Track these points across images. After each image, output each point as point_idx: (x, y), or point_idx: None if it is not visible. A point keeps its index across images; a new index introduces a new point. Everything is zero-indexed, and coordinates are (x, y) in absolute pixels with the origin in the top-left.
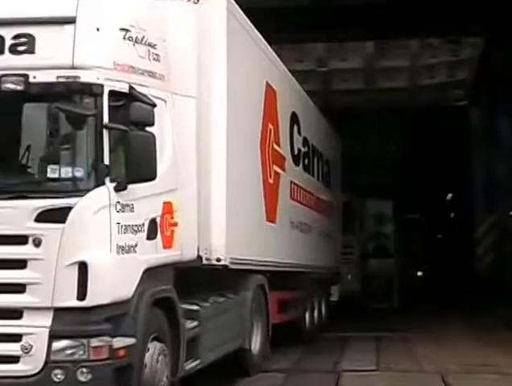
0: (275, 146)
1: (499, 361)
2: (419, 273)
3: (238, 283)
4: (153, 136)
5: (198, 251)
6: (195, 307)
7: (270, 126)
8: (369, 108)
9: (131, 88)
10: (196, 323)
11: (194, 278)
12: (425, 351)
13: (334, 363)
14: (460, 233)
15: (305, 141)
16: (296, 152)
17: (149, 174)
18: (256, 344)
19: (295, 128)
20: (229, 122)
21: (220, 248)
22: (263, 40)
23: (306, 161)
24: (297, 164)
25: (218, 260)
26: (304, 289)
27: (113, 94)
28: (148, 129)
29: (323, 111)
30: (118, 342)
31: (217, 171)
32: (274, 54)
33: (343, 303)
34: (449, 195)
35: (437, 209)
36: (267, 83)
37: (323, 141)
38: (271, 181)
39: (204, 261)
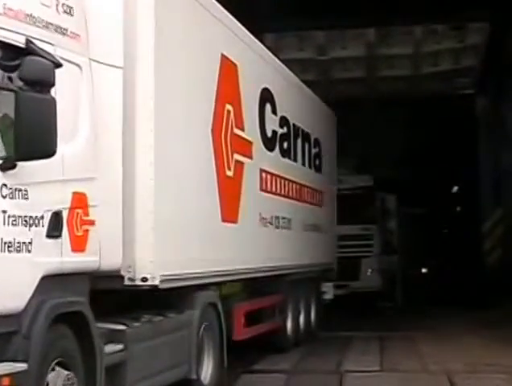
0: (237, 131)
1: (507, 360)
2: (424, 270)
3: (183, 300)
4: (53, 100)
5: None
6: (120, 327)
7: (229, 107)
8: (371, 97)
9: (29, 41)
10: (120, 347)
11: (125, 293)
12: (430, 351)
13: (337, 363)
14: (466, 227)
15: (283, 122)
16: (270, 135)
17: (45, 149)
18: (207, 373)
19: (268, 107)
20: (160, 103)
21: (147, 265)
22: (220, 7)
23: (285, 144)
24: (271, 149)
25: (144, 279)
26: (284, 292)
27: (2, 47)
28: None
29: (323, 101)
30: (1, 368)
31: (143, 164)
32: (235, 22)
33: (354, 302)
34: (455, 188)
35: (443, 202)
36: (223, 56)
37: (310, 120)
38: (230, 173)
39: (127, 282)
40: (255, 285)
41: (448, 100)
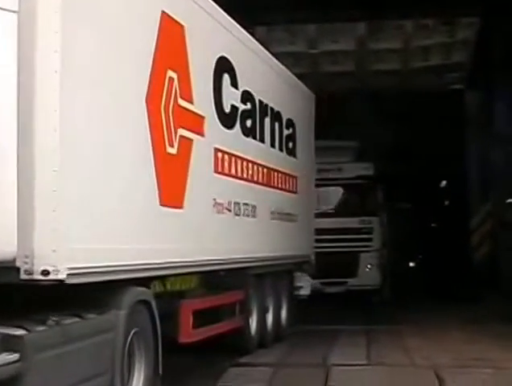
0: (183, 103)
1: (494, 355)
2: (412, 264)
3: (106, 298)
4: None
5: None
6: (17, 332)
7: (172, 75)
8: (361, 91)
9: None
10: (15, 356)
11: (33, 290)
12: (418, 345)
13: (323, 357)
14: (454, 222)
15: (247, 97)
16: (228, 110)
17: None
18: (139, 383)
19: (226, 78)
20: (69, 59)
21: (48, 255)
22: None
23: (248, 122)
24: (230, 126)
25: (45, 273)
26: (247, 288)
27: None
28: None
29: (315, 95)
30: None
31: (43, 132)
32: None
33: (350, 298)
34: (443, 183)
35: (431, 197)
36: (165, 14)
37: (282, 97)
38: (173, 150)
39: (23, 275)
40: (212, 280)
41: (438, 95)
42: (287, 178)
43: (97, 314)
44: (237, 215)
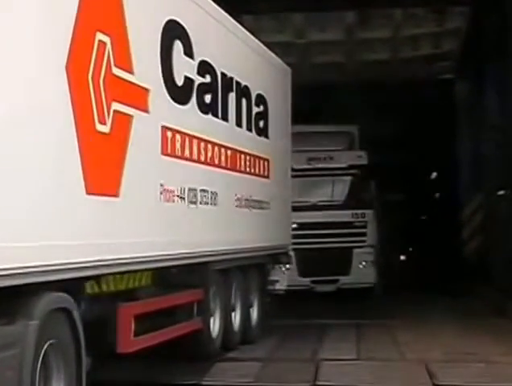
0: (117, 72)
1: (486, 349)
2: (402, 257)
3: (15, 307)
4: None
5: None
6: None
7: (102, 38)
8: (350, 82)
9: None
10: None
11: None
12: (408, 339)
13: (313, 351)
14: (445, 214)
15: (205, 68)
16: (181, 83)
17: None
18: None
19: (178, 46)
20: None
21: None
22: None
23: (207, 97)
24: (183, 101)
25: None
26: (207, 285)
27: None
28: None
29: (302, 86)
30: None
31: None
32: None
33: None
34: (434, 174)
35: (421, 189)
36: None
37: (250, 71)
38: (105, 128)
39: None
40: (164, 278)
41: (428, 85)
42: (257, 161)
43: (1, 325)
44: (192, 203)
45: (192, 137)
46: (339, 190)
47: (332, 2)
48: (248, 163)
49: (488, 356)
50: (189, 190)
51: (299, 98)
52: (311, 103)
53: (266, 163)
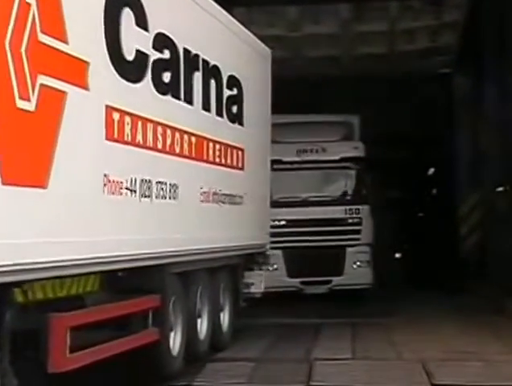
0: (45, 39)
1: (484, 347)
2: (398, 255)
3: None
4: None
5: None
6: None
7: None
8: (346, 76)
9: None
10: None
11: None
12: (405, 338)
13: (306, 351)
14: (443, 211)
15: (163, 42)
16: (132, 57)
17: None
18: None
19: (128, 14)
20: None
21: None
22: None
23: (166, 75)
24: (135, 79)
25: None
26: (165, 291)
27: None
28: None
29: (296, 80)
30: None
31: None
32: None
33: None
34: (431, 170)
35: (418, 185)
36: None
37: (221, 48)
38: (29, 106)
39: None
40: (112, 284)
41: (425, 79)
42: (229, 150)
43: None
44: (145, 196)
45: (146, 120)
46: (331, 184)
47: None
48: (218, 153)
49: (486, 355)
50: (142, 181)
51: (295, 92)
52: (305, 97)
53: (239, 153)
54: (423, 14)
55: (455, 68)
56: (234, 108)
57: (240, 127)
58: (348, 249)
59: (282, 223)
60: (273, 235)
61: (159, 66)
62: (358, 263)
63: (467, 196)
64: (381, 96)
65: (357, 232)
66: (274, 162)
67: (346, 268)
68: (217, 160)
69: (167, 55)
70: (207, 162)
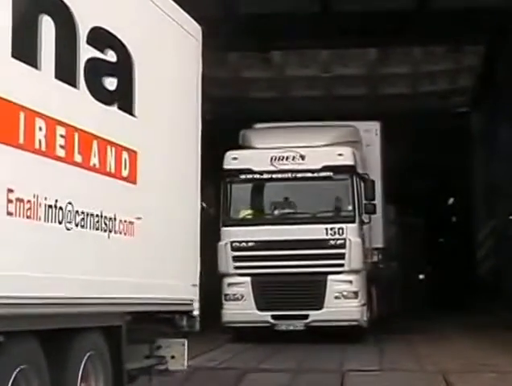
0: None
1: (498, 360)
2: (421, 277)
3: None
4: None
5: None
6: None
7: None
8: (371, 114)
9: None
10: None
11: None
12: (427, 352)
13: (338, 363)
14: (461, 237)
15: None
16: None
17: None
18: None
19: None
20: None
21: None
22: None
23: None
24: None
25: None
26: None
27: None
28: None
29: (324, 116)
30: None
31: None
32: None
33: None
34: (451, 200)
35: (439, 213)
36: None
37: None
38: None
39: None
40: None
41: (446, 117)
42: (107, 149)
43: None
44: None
45: None
46: (311, 198)
47: (354, 41)
48: (81, 150)
49: (500, 367)
50: None
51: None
52: None
53: (128, 156)
54: (443, 58)
55: (472, 107)
56: (109, 83)
57: (128, 117)
58: (330, 277)
59: (251, 244)
60: (239, 259)
61: None
62: (342, 294)
63: (483, 224)
64: (404, 133)
65: (341, 256)
66: (242, 171)
67: (327, 301)
68: (87, 163)
69: None
70: (62, 161)
